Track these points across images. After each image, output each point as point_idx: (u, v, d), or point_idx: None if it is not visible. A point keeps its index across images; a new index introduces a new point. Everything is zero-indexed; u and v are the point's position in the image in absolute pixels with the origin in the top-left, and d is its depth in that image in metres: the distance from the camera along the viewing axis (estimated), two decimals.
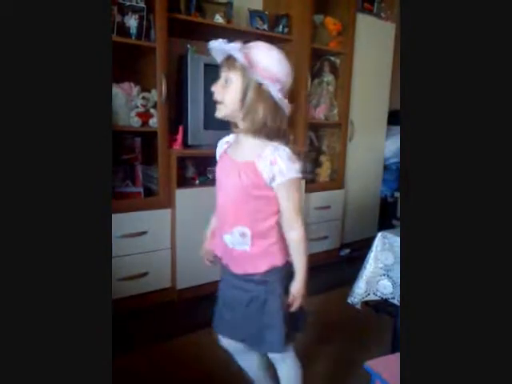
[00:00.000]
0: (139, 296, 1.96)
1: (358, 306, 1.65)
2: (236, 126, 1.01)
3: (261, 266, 1.03)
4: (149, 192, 2.03)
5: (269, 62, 0.94)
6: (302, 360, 1.16)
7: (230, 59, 0.95)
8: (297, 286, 1.03)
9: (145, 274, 1.95)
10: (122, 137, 2.00)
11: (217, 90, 0.97)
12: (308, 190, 2.50)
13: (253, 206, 1.00)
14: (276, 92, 0.94)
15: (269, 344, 1.06)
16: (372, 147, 2.94)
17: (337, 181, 2.75)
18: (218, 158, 1.11)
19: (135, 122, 1.87)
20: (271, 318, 1.04)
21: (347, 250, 2.91)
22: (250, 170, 0.97)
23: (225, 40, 0.94)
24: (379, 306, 1.92)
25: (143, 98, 1.88)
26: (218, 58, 0.99)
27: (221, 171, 1.06)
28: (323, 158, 2.76)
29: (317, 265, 2.68)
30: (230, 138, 1.11)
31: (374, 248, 1.60)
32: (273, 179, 0.97)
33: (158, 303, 2.02)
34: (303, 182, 2.45)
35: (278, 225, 1.04)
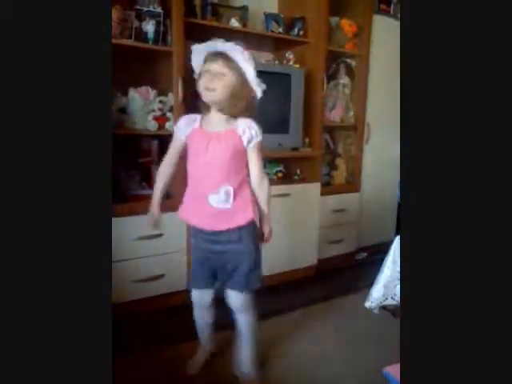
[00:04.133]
0: (155, 298, 1.97)
1: (376, 311, 1.63)
2: (207, 107, 1.26)
3: (239, 221, 1.27)
4: (165, 195, 2.05)
5: (251, 62, 1.21)
6: (319, 363, 1.14)
7: (225, 56, 1.19)
8: (268, 223, 1.35)
9: (161, 276, 1.96)
10: (138, 140, 2.03)
11: (208, 79, 1.19)
12: (324, 193, 2.48)
13: (234, 166, 1.25)
14: (257, 84, 1.23)
15: (251, 282, 1.32)
16: (389, 150, 2.89)
17: (353, 184, 2.73)
18: (186, 132, 1.29)
19: (152, 126, 1.89)
20: (250, 261, 1.30)
21: (364, 254, 2.87)
22: (232, 136, 1.24)
23: (220, 40, 1.19)
24: (397, 311, 1.88)
25: (160, 101, 1.90)
26: (203, 52, 1.24)
27: (200, 142, 1.25)
28: (339, 161, 2.74)
29: (333, 269, 2.66)
30: (194, 117, 1.31)
31: (391, 252, 1.57)
32: (249, 141, 1.24)
33: (173, 305, 2.03)
34: (319, 185, 2.44)
35: (248, 182, 1.30)
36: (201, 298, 1.43)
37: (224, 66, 1.19)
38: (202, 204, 1.27)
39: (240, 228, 1.28)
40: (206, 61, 1.23)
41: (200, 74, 1.25)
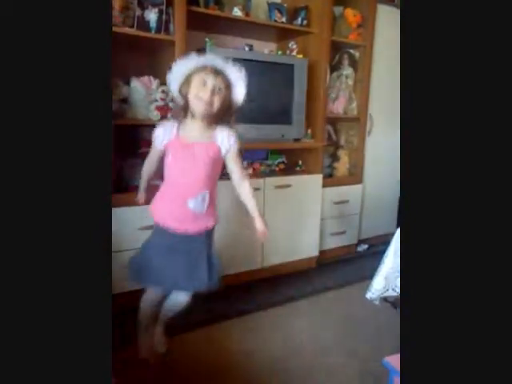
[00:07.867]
0: None
1: (377, 302, 1.64)
2: (189, 114, 1.32)
3: (209, 225, 1.39)
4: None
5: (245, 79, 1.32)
6: (319, 352, 1.13)
7: (223, 72, 1.29)
8: (262, 222, 1.40)
9: None
10: (140, 130, 2.03)
11: (208, 93, 1.26)
12: (326, 185, 2.48)
13: (211, 173, 1.35)
14: (241, 98, 1.33)
15: (211, 281, 1.39)
16: (391, 141, 2.88)
17: (355, 175, 2.72)
18: (164, 141, 1.35)
19: (154, 116, 1.88)
20: (213, 262, 1.41)
21: (365, 246, 2.88)
22: (212, 145, 1.33)
23: (218, 57, 1.30)
24: (397, 302, 1.89)
25: (162, 91, 1.89)
26: (198, 63, 1.29)
27: (182, 151, 1.32)
28: (341, 153, 2.73)
29: (334, 260, 2.67)
30: (171, 125, 1.36)
31: (393, 243, 1.57)
32: (228, 151, 1.34)
33: None
34: (321, 176, 2.44)
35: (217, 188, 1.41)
36: (153, 293, 1.51)
37: (223, 82, 1.28)
38: (179, 207, 1.34)
39: (206, 231, 1.39)
40: (198, 71, 1.28)
41: (187, 81, 1.29)
